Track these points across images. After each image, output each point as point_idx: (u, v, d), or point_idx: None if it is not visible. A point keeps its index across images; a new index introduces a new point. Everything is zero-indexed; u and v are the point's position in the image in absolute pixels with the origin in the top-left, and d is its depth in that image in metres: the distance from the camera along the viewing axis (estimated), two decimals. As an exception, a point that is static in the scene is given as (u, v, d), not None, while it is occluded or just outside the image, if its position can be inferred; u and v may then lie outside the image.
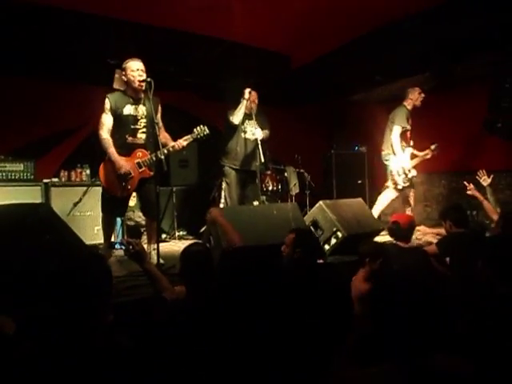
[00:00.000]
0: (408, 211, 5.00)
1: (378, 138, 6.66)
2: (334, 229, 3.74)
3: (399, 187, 4.94)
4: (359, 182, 6.73)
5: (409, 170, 4.89)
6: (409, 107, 4.99)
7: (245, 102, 4.52)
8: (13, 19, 3.82)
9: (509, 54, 4.72)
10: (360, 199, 4.54)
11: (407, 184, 4.92)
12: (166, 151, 3.38)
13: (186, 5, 3.97)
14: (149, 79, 3.32)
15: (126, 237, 4.82)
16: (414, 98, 4.95)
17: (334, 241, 3.72)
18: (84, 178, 4.80)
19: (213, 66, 5.22)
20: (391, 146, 4.93)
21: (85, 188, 4.62)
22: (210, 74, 5.48)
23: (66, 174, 4.77)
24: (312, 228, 3.92)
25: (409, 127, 4.96)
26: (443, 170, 6.23)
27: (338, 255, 3.68)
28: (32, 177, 4.57)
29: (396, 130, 4.88)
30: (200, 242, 2.58)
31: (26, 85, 4.94)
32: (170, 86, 5.29)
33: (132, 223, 5.06)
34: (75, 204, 4.55)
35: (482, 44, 4.70)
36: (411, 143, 5.01)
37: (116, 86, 4.91)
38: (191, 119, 5.59)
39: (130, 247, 2.16)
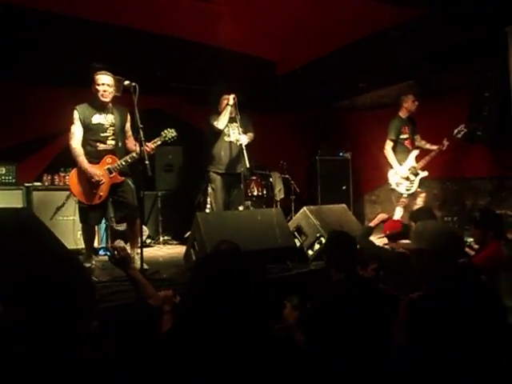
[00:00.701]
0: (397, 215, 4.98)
1: (362, 145, 6.77)
2: (318, 234, 3.78)
3: (405, 196, 4.99)
4: (343, 187, 6.79)
5: (415, 174, 4.94)
6: (403, 116, 5.08)
7: (229, 107, 4.54)
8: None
9: (489, 64, 4.84)
10: (344, 205, 4.59)
11: (412, 190, 4.96)
12: (135, 155, 3.43)
13: (173, 10, 3.99)
14: (134, 84, 3.33)
15: (109, 241, 4.78)
16: (408, 106, 5.03)
17: (317, 246, 3.75)
18: (67, 182, 4.73)
19: (199, 72, 5.23)
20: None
21: (68, 192, 4.57)
22: (196, 80, 5.50)
23: (49, 177, 4.73)
24: (296, 233, 3.95)
25: (405, 136, 5.04)
26: (426, 177, 6.34)
27: (321, 261, 3.71)
28: (14, 180, 4.52)
29: (387, 145, 5.03)
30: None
31: (9, 88, 4.87)
32: (157, 91, 5.29)
33: (121, 228, 5.01)
34: (58, 208, 4.50)
35: (464, 54, 4.83)
36: (417, 143, 5.09)
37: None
38: (179, 124, 5.59)
39: (115, 252, 2.14)
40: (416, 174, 4.95)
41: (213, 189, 4.77)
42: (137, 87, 3.30)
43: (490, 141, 5.02)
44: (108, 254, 2.19)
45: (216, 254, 2.06)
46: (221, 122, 4.56)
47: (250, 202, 5.49)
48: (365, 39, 4.69)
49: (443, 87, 5.77)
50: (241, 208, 4.71)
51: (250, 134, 4.68)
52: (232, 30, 4.32)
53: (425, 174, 4.94)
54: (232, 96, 4.52)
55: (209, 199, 4.91)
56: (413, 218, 3.53)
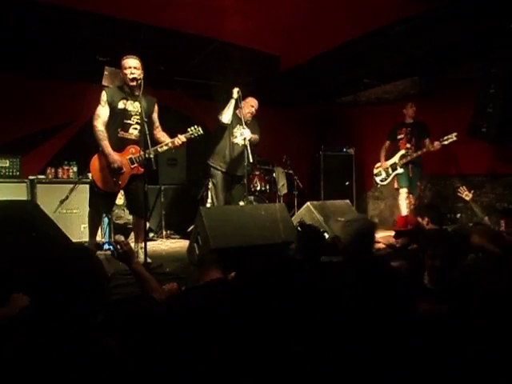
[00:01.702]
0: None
1: (366, 140, 6.75)
2: (321, 230, 3.76)
3: (378, 186, 5.80)
4: (347, 183, 6.79)
5: (393, 169, 5.41)
6: (404, 120, 5.47)
7: (233, 101, 4.50)
8: None
9: (494, 60, 4.81)
10: (347, 201, 4.59)
11: (385, 182, 5.56)
12: (159, 149, 3.39)
13: (177, 4, 3.97)
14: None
15: (113, 236, 4.80)
16: (406, 111, 5.46)
17: (321, 241, 3.74)
18: (71, 176, 4.76)
19: (203, 66, 5.21)
20: None
21: (72, 185, 4.58)
22: (199, 73, 5.48)
23: (53, 171, 4.73)
24: (299, 228, 3.94)
25: (400, 136, 5.45)
26: (429, 173, 6.32)
27: (324, 256, 3.70)
28: (18, 173, 4.52)
29: (383, 144, 5.62)
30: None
31: (13, 81, 4.87)
32: (160, 85, 5.27)
33: (121, 222, 5.02)
34: (62, 201, 4.51)
35: (469, 50, 4.79)
36: (409, 145, 5.37)
37: (105, 83, 4.89)
38: (181, 118, 5.59)
39: (118, 247, 2.14)
40: (394, 169, 5.40)
41: (213, 184, 4.73)
42: (141, 81, 3.30)
43: (494, 138, 4.99)
44: (111, 248, 2.18)
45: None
46: (225, 116, 4.51)
47: (253, 197, 5.49)
48: (370, 34, 4.66)
49: (448, 83, 5.74)
50: (241, 203, 4.70)
51: (256, 136, 4.65)
52: (236, 24, 4.30)
53: (401, 171, 5.35)
54: (236, 89, 4.49)
55: (210, 194, 4.90)
56: (422, 213, 3.55)
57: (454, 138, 4.97)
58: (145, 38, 4.43)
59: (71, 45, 4.40)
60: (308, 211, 3.98)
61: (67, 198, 4.53)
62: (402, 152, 5.37)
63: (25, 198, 4.32)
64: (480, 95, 5.01)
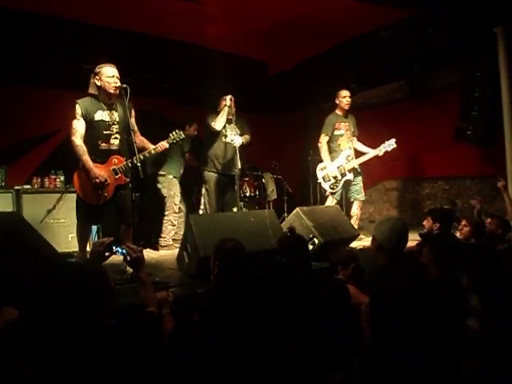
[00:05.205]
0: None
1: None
2: (311, 235, 3.76)
3: (326, 194, 4.92)
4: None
5: (342, 175, 4.78)
6: (339, 113, 4.92)
7: (227, 108, 4.54)
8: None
9: (478, 65, 4.89)
10: (337, 206, 4.59)
11: (335, 190, 4.81)
12: (141, 157, 3.36)
13: (164, 11, 3.97)
14: (125, 85, 3.30)
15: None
16: (339, 102, 4.87)
17: (310, 247, 3.73)
18: (58, 185, 4.71)
19: (190, 73, 5.22)
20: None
21: (58, 195, 4.53)
22: (187, 80, 5.48)
23: (39, 180, 4.67)
24: (289, 234, 3.93)
25: (340, 132, 4.85)
26: (417, 176, 6.38)
27: (314, 262, 3.69)
28: (3, 184, 4.47)
29: (321, 139, 4.86)
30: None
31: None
32: (147, 92, 5.25)
33: None
34: (49, 211, 4.46)
35: (454, 54, 4.87)
36: (350, 145, 4.87)
37: (91, 90, 4.84)
38: (169, 125, 5.56)
39: (132, 252, 2.11)
40: (343, 175, 4.77)
41: (207, 190, 4.75)
42: (128, 89, 3.27)
43: (479, 140, 5.07)
44: (124, 252, 2.14)
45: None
46: (218, 123, 4.55)
47: (242, 203, 5.47)
48: (356, 39, 4.71)
49: (433, 87, 5.81)
50: (235, 209, 4.70)
51: (247, 136, 4.67)
52: (222, 31, 4.31)
53: (350, 176, 4.76)
54: (229, 97, 4.53)
55: (203, 200, 4.89)
56: (432, 215, 3.52)
57: (395, 146, 4.62)
58: (132, 45, 4.43)
59: (56, 53, 4.37)
60: (297, 217, 3.96)
61: (54, 207, 4.48)
62: (347, 152, 4.78)
63: (10, 209, 4.26)
64: (465, 99, 5.09)
